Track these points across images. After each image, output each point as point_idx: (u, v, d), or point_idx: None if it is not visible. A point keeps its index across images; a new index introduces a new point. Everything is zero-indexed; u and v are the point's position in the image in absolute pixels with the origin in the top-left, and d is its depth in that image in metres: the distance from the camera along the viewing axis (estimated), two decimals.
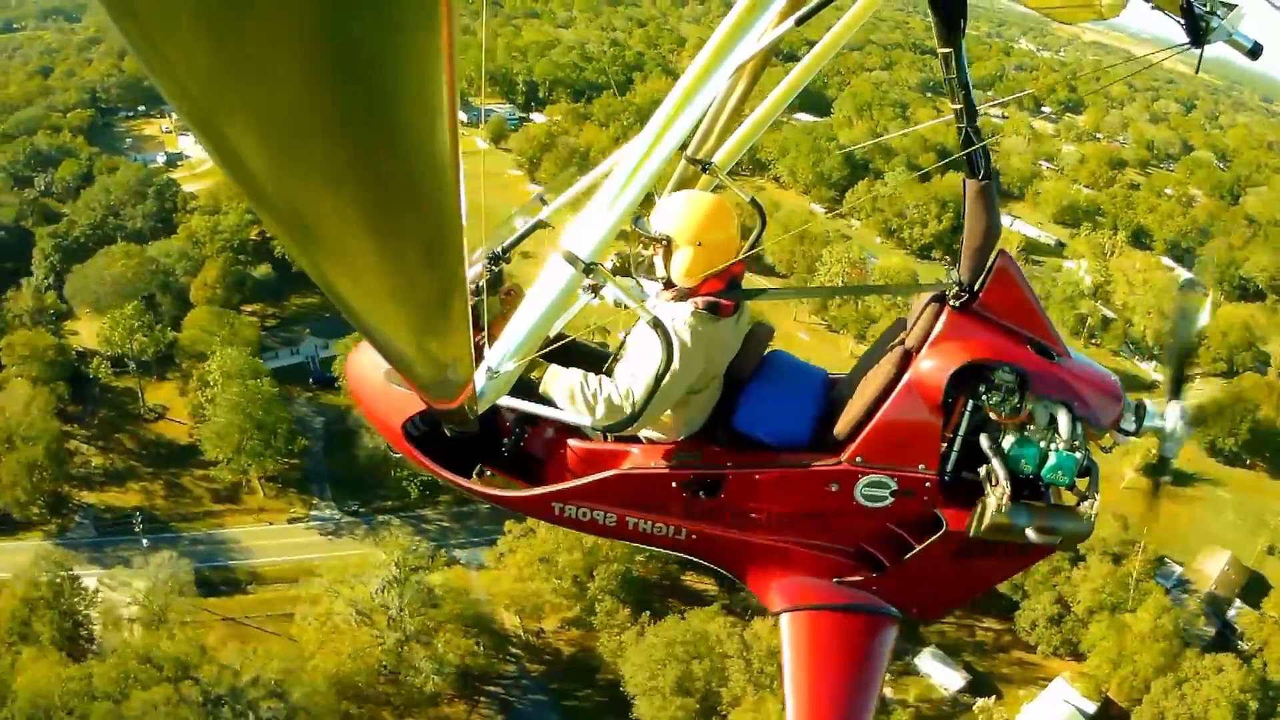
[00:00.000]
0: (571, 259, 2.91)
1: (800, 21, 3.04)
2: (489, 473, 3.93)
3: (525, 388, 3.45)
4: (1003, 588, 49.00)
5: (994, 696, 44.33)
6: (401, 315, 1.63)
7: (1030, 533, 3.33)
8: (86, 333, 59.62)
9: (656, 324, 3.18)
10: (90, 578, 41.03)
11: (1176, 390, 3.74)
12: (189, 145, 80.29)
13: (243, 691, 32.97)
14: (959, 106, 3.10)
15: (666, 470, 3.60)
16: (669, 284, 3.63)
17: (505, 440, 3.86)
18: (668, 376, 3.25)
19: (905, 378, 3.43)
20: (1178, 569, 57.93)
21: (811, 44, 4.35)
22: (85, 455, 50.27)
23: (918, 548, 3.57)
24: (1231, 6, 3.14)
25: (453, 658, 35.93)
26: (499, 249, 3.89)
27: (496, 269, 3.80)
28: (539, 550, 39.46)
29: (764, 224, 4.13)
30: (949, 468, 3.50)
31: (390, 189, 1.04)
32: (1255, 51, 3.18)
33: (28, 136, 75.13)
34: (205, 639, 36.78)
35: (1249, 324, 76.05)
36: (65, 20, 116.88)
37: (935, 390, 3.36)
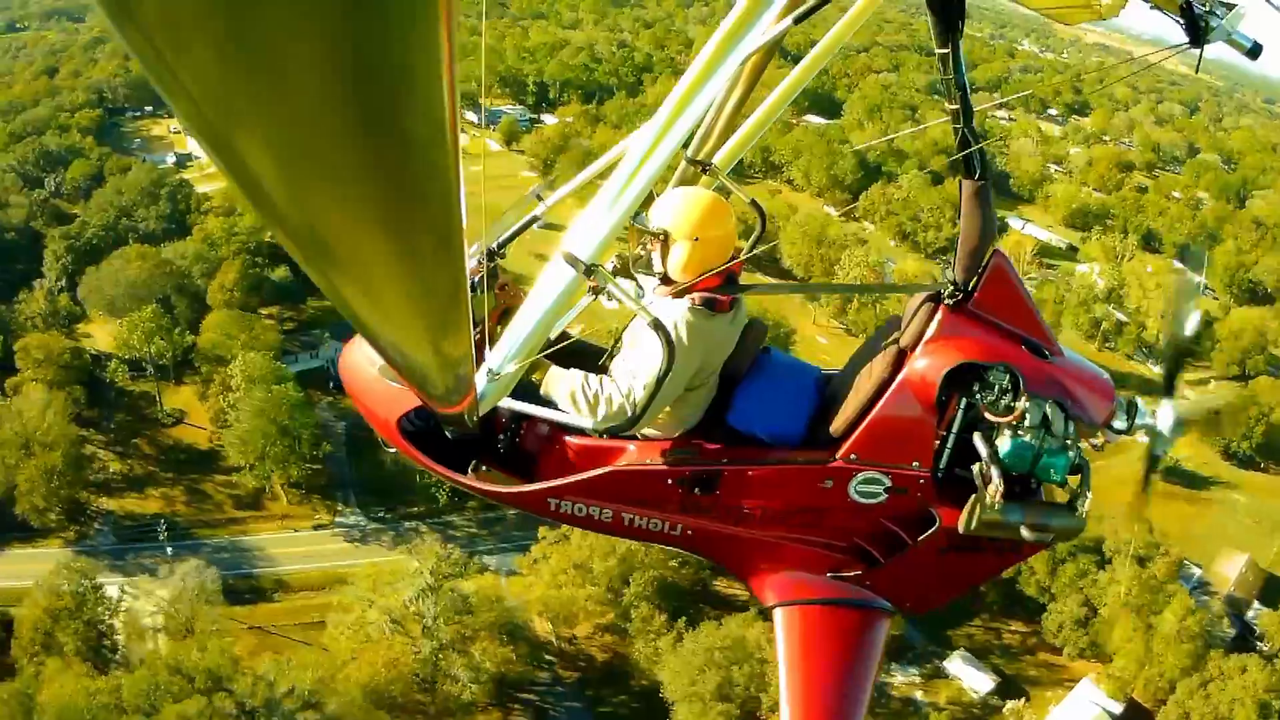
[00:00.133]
0: (572, 260, 2.91)
1: (799, 20, 3.00)
2: (484, 468, 3.91)
3: (526, 389, 3.46)
4: (1029, 590, 49.75)
5: (1023, 699, 44.65)
6: (409, 322, 1.65)
7: (1022, 530, 3.36)
8: (100, 335, 58.86)
9: (658, 325, 3.20)
10: (112, 586, 40.39)
11: (1170, 388, 3.75)
12: (198, 146, 79.43)
13: (278, 703, 32.40)
14: (956, 107, 3.10)
15: (662, 466, 3.60)
16: (666, 279, 3.63)
17: (501, 436, 3.87)
18: (668, 377, 3.28)
19: (900, 376, 3.45)
20: (1197, 571, 58.28)
21: (813, 43, 4.29)
22: (102, 461, 49.54)
23: (911, 544, 3.60)
24: (1230, 6, 3.11)
25: (490, 666, 35.52)
26: (494, 245, 3.90)
27: (492, 264, 3.82)
28: (573, 556, 39.13)
29: (764, 224, 4.15)
30: (942, 465, 3.53)
31: (402, 194, 1.06)
32: (1255, 51, 3.15)
33: (36, 137, 74.28)
34: (233, 649, 36.22)
35: (1260, 327, 76.36)
36: (69, 20, 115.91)
37: (929, 389, 3.39)
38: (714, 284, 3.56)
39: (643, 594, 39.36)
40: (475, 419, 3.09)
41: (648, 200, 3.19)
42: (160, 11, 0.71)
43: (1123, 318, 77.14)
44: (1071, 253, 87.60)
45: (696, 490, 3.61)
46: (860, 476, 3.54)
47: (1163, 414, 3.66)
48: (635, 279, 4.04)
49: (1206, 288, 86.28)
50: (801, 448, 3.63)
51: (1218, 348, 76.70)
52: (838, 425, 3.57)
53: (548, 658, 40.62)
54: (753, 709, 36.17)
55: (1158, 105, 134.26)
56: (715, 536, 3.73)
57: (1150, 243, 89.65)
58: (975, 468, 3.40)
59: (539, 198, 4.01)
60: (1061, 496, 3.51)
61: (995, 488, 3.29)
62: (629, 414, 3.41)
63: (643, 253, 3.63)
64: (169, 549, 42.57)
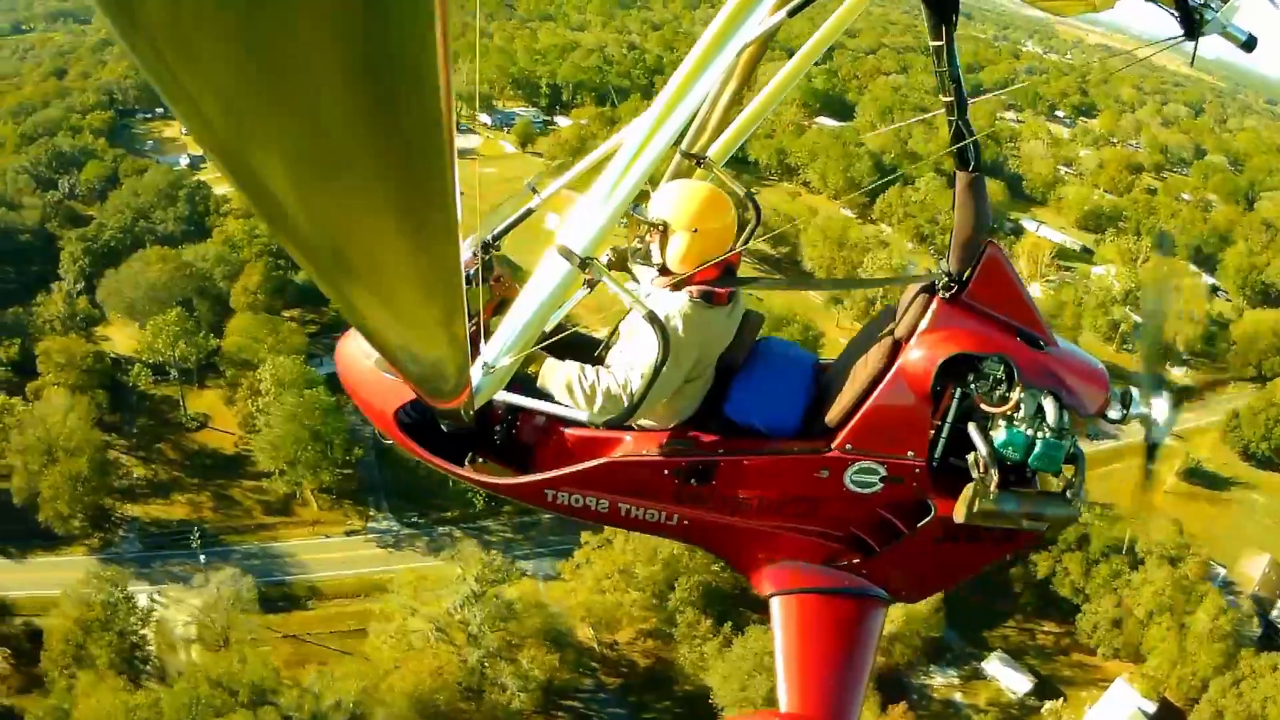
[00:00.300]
0: (567, 254, 2.91)
1: (793, 14, 3.04)
2: (481, 460, 3.91)
3: (522, 381, 3.46)
4: (1064, 591, 50.04)
5: (1060, 699, 44.86)
6: (404, 318, 1.67)
7: (1018, 518, 3.39)
8: (118, 338, 58.05)
9: (652, 317, 3.20)
10: (143, 595, 39.63)
11: (1158, 378, 3.79)
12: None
13: (324, 716, 31.74)
14: (950, 100, 3.10)
15: (659, 457, 3.61)
16: (664, 270, 3.64)
17: (497, 428, 3.87)
18: (664, 369, 3.29)
19: (895, 367, 3.47)
20: (1221, 571, 58.58)
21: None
22: (126, 466, 48.70)
23: (907, 533, 3.61)
24: None
25: (538, 673, 34.99)
26: (489, 237, 3.89)
27: (487, 257, 3.82)
28: (617, 561, 38.70)
29: (759, 218, 4.15)
30: (937, 455, 3.55)
31: (401, 191, 1.08)
32: (1250, 44, 3.14)
33: (48, 138, 73.39)
34: (271, 659, 35.53)
35: (1276, 329, 76.67)
36: (75, 22, 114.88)
37: (924, 379, 3.41)
38: (712, 276, 3.55)
39: (688, 599, 38.94)
40: (471, 413, 3.11)
41: (642, 193, 3.16)
42: (167, 18, 0.70)
43: (1139, 319, 77.32)
44: (1086, 255, 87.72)
45: (692, 481, 3.61)
46: (856, 466, 3.55)
47: (1157, 403, 3.66)
48: (631, 271, 4.07)
49: (1218, 289, 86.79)
50: (798, 438, 3.63)
51: (1233, 350, 77.04)
52: (833, 415, 3.57)
53: (590, 664, 40.12)
54: None
55: (1163, 106, 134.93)
56: (712, 527, 3.72)
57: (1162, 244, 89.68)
58: (970, 457, 3.41)
59: (534, 190, 3.99)
60: (1057, 486, 3.54)
61: (990, 477, 3.30)
62: (625, 404, 3.41)
63: (641, 244, 3.63)
64: (202, 556, 41.75)
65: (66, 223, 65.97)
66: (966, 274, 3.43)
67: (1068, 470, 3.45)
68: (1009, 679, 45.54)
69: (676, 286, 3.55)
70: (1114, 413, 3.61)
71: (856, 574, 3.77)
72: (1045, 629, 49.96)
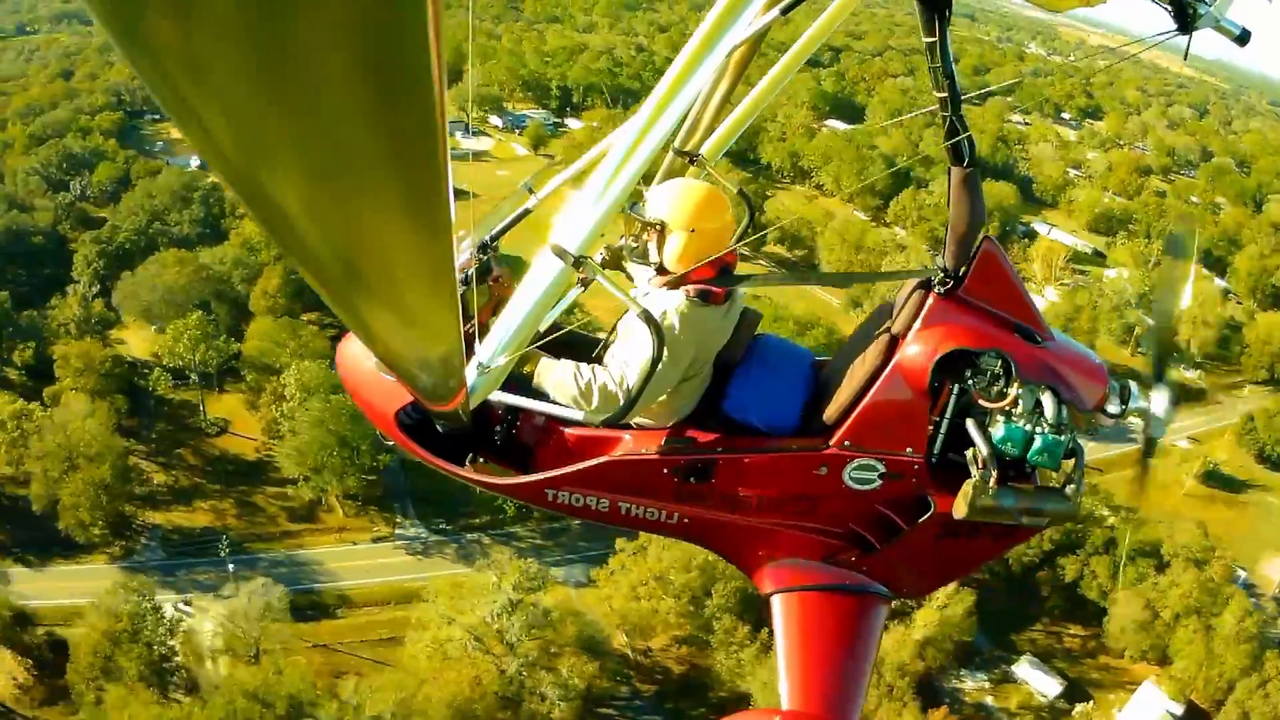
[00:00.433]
0: (560, 253, 2.92)
1: (786, 11, 3.00)
2: (482, 460, 3.93)
3: (519, 381, 3.47)
4: (1091, 594, 50.14)
5: (1090, 702, 45.00)
6: (400, 321, 1.71)
7: (1017, 514, 3.39)
8: (134, 342, 57.38)
9: (647, 317, 3.21)
10: (168, 604, 38.98)
11: (1160, 371, 3.77)
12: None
13: None
14: (944, 95, 3.10)
15: (657, 456, 3.62)
16: (661, 270, 3.65)
17: (498, 428, 3.89)
18: (660, 366, 3.29)
19: (891, 363, 3.47)
20: (1242, 573, 58.74)
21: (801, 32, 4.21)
22: (146, 472, 48.03)
23: (906, 529, 3.61)
24: None
25: (578, 682, 34.59)
26: (486, 238, 3.90)
27: (485, 258, 3.83)
28: (653, 569, 38.34)
29: (751, 215, 4.16)
30: (936, 451, 3.55)
31: (397, 194, 1.11)
32: (1243, 38, 3.11)
33: (58, 139, 72.64)
34: (307, 671, 34.90)
35: None
36: (80, 23, 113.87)
37: (921, 375, 3.42)
38: (709, 275, 3.55)
39: (725, 605, 38.60)
40: (467, 413, 3.14)
41: (635, 192, 3.15)
42: (178, 39, 0.70)
43: (1152, 322, 77.14)
44: (1098, 258, 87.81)
45: (692, 479, 3.62)
46: (854, 463, 3.55)
47: (1156, 397, 3.67)
48: (625, 269, 4.11)
49: (1229, 292, 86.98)
50: (796, 435, 3.63)
51: (1246, 353, 77.24)
52: (831, 412, 3.58)
53: (625, 670, 39.72)
54: None
55: (1168, 108, 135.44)
56: (712, 525, 3.73)
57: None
58: (969, 453, 3.41)
59: (530, 190, 3.99)
60: (1057, 481, 3.54)
61: (989, 473, 3.30)
62: (621, 402, 3.41)
63: (637, 243, 3.66)
64: (230, 565, 41.11)
65: (78, 225, 65.26)
66: (962, 269, 3.42)
67: (1067, 465, 3.42)
68: (1039, 682, 45.56)
69: (674, 285, 3.54)
70: (1113, 407, 3.59)
71: (857, 571, 3.77)
72: (1072, 632, 50.08)
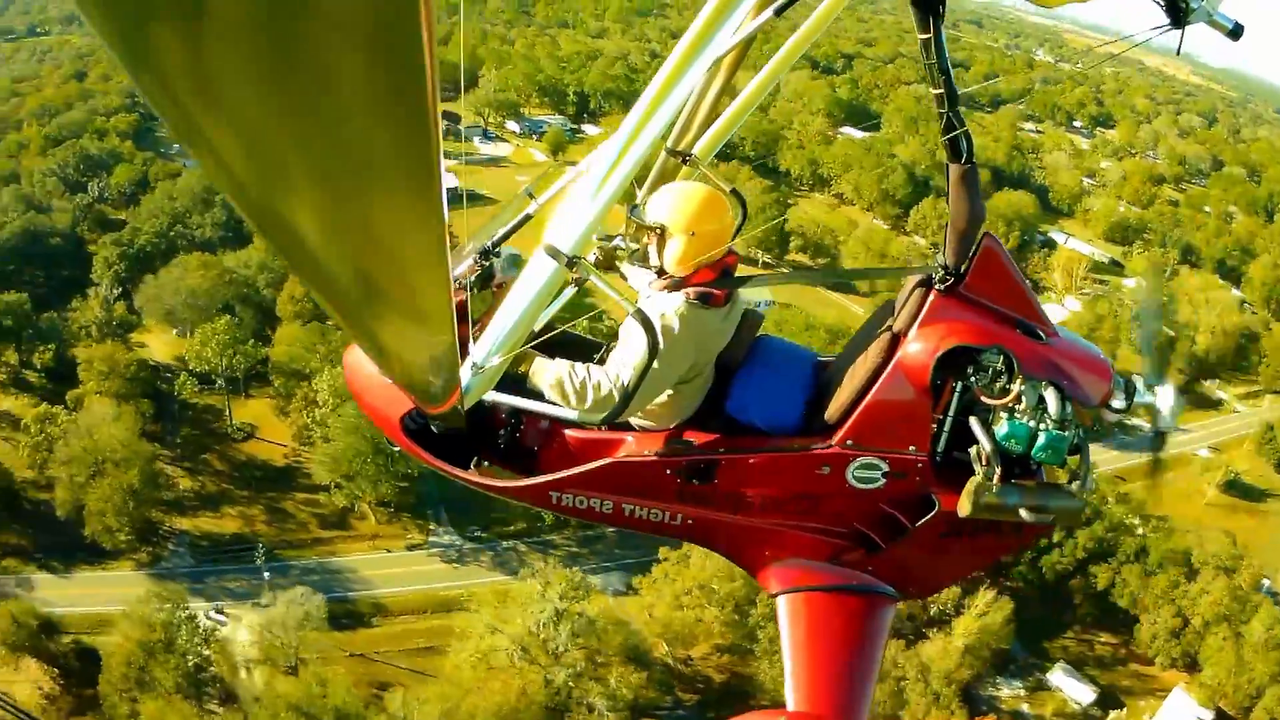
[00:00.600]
0: (554, 253, 2.92)
1: (778, 12, 3.03)
2: (487, 464, 3.95)
3: (515, 381, 3.48)
4: (1122, 602, 50.17)
5: (1123, 709, 45.16)
6: (395, 327, 1.75)
7: (1022, 511, 3.37)
8: (155, 345, 56.71)
9: (640, 315, 3.22)
10: (200, 613, 38.23)
11: (1162, 368, 3.76)
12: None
13: None
14: (940, 91, 3.09)
15: (660, 457, 3.62)
16: (662, 273, 3.66)
17: (501, 431, 3.90)
18: (654, 365, 3.29)
19: (893, 361, 3.46)
20: (1265, 581, 58.84)
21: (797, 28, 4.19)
22: (171, 478, 47.29)
23: (911, 528, 3.60)
24: None
25: (626, 693, 34.07)
26: (488, 244, 3.90)
27: (487, 264, 3.83)
28: (697, 578, 37.91)
29: (745, 215, 4.18)
30: (940, 449, 3.54)
31: (393, 202, 1.13)
32: (1236, 32, 3.11)
33: (75, 140, 72.04)
34: (351, 686, 34.18)
35: None
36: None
37: (922, 373, 3.41)
38: (709, 277, 3.56)
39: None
40: (462, 414, 3.16)
41: (628, 192, 3.19)
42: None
43: (1169, 332, 77.32)
44: (1115, 267, 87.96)
45: (695, 480, 3.62)
46: (858, 462, 3.54)
47: (1162, 392, 3.64)
48: (619, 270, 4.18)
49: (1245, 303, 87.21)
50: (799, 435, 3.62)
51: (1265, 362, 77.45)
52: (833, 411, 3.57)
53: (667, 679, 39.21)
54: None
55: (1178, 116, 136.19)
56: (716, 526, 3.74)
57: (1189, 257, 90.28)
58: (973, 451, 3.40)
59: (530, 195, 3.98)
60: (1062, 477, 3.52)
61: (993, 470, 3.29)
62: (616, 400, 3.40)
63: (638, 246, 3.66)
64: (266, 574, 40.38)
65: (96, 227, 64.60)
66: (963, 266, 3.39)
67: (1072, 461, 3.41)
68: (1073, 689, 45.69)
69: (675, 288, 3.55)
70: (1118, 403, 3.55)
71: (862, 570, 3.75)
72: (1102, 639, 50.20)
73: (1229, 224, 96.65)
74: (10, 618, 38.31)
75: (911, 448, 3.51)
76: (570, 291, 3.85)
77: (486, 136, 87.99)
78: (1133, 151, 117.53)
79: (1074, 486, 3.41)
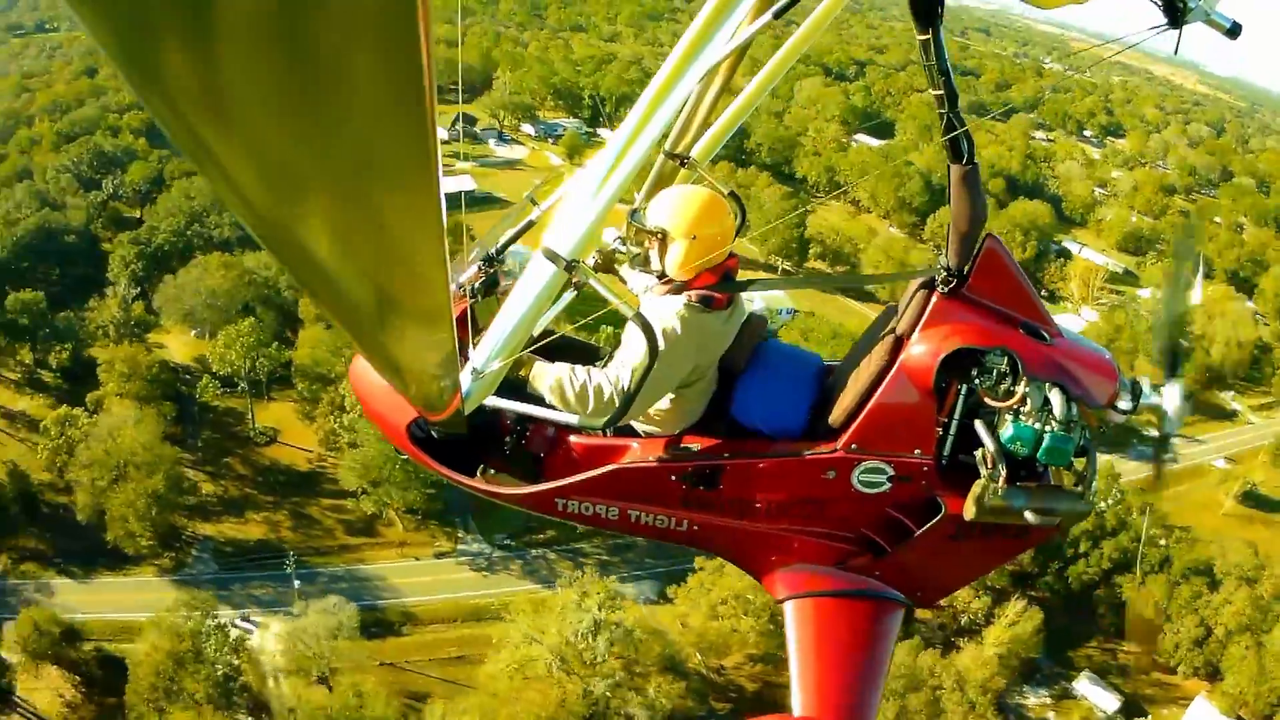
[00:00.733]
0: (552, 256, 2.92)
1: (778, 14, 3.03)
2: (492, 471, 3.95)
3: (516, 386, 3.48)
4: (1147, 613, 50.39)
5: (1147, 717, 45.37)
6: (397, 335, 1.78)
7: (1028, 514, 3.36)
8: (174, 346, 56.01)
9: (639, 319, 3.22)
10: (226, 621, 37.59)
11: (1173, 368, 3.71)
12: None
13: None
14: (940, 92, 3.08)
15: (666, 463, 3.63)
16: (663, 277, 3.66)
17: (507, 439, 3.89)
18: (654, 369, 3.28)
19: (896, 364, 3.45)
20: None
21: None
22: (193, 482, 46.59)
23: (918, 532, 3.58)
24: None
25: (665, 703, 33.70)
26: (492, 251, 3.90)
27: (491, 270, 3.85)
28: (733, 587, 37.60)
29: (744, 218, 4.15)
30: (945, 452, 3.53)
31: (394, 210, 1.15)
32: (1234, 31, 3.10)
33: (88, 137, 71.27)
34: (366, 686, 33.70)
35: None
36: None
37: (926, 376, 3.40)
38: (711, 280, 3.57)
39: None
40: (462, 418, 3.18)
41: (627, 195, 3.19)
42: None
43: (1185, 343, 77.39)
44: (1129, 278, 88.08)
45: (701, 485, 3.62)
46: (863, 466, 3.53)
47: (1168, 393, 3.62)
48: (618, 273, 4.21)
49: (1258, 315, 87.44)
50: (804, 439, 3.63)
51: (1278, 374, 77.65)
52: (837, 415, 3.56)
53: (703, 689, 38.88)
54: None
55: (1186, 126, 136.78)
56: (721, 531, 3.74)
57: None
58: (978, 454, 3.39)
59: (533, 201, 3.99)
60: (1069, 479, 3.49)
61: (998, 473, 3.28)
62: (616, 404, 3.39)
63: (639, 250, 3.68)
64: (296, 582, 39.74)
65: (110, 225, 63.83)
66: (966, 268, 3.38)
67: (1079, 463, 3.39)
68: (1099, 698, 45.97)
69: (676, 292, 3.56)
70: (1124, 404, 3.53)
71: (869, 575, 3.74)
72: (1125, 648, 50.13)
73: (1240, 235, 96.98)
74: (32, 624, 37.65)
75: (917, 451, 3.49)
76: (570, 295, 3.83)
77: (502, 139, 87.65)
78: (1143, 161, 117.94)
79: (1081, 488, 3.40)
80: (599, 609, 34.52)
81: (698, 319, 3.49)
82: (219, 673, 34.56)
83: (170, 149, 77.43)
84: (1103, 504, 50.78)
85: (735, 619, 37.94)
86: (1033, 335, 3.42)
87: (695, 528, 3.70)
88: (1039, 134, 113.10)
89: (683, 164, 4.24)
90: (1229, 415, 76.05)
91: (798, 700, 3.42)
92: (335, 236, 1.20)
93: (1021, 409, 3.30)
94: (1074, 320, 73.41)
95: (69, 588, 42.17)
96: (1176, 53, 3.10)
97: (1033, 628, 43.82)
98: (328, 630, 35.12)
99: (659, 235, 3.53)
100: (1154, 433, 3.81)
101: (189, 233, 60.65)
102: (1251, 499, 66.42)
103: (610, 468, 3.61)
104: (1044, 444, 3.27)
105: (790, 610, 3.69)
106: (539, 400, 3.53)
